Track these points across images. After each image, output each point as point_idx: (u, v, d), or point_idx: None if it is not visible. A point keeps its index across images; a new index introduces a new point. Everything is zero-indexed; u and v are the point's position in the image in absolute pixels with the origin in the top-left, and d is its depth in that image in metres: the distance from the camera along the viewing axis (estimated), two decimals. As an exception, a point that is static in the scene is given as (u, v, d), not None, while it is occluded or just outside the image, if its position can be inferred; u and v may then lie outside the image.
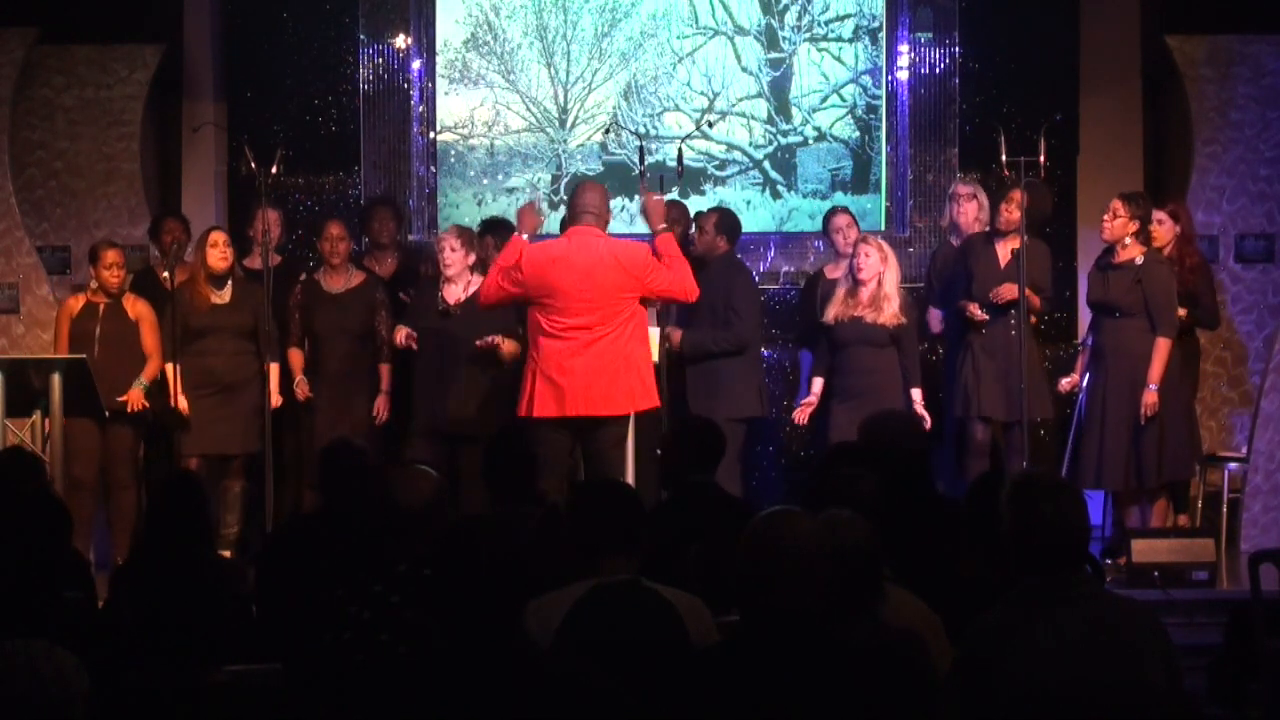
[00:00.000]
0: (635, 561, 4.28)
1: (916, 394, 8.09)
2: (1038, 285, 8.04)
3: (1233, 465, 8.63)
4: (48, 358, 7.91)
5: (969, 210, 8.49)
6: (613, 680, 3.29)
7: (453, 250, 8.03)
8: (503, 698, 3.15)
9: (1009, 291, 7.93)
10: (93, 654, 3.62)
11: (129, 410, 8.08)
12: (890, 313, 8.04)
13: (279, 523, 7.82)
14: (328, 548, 5.07)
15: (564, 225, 7.79)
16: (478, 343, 7.86)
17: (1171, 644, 3.65)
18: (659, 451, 7.04)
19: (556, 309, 7.00)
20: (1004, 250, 8.12)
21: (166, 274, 8.11)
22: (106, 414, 7.95)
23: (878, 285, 8.07)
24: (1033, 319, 8.21)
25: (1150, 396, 7.72)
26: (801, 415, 8.24)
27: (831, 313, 8.11)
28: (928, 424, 7.93)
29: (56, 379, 7.62)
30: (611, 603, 4.12)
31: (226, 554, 7.92)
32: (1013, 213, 8.01)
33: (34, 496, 5.02)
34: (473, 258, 8.09)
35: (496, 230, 8.52)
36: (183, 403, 8.06)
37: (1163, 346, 7.78)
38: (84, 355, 7.81)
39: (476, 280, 8.00)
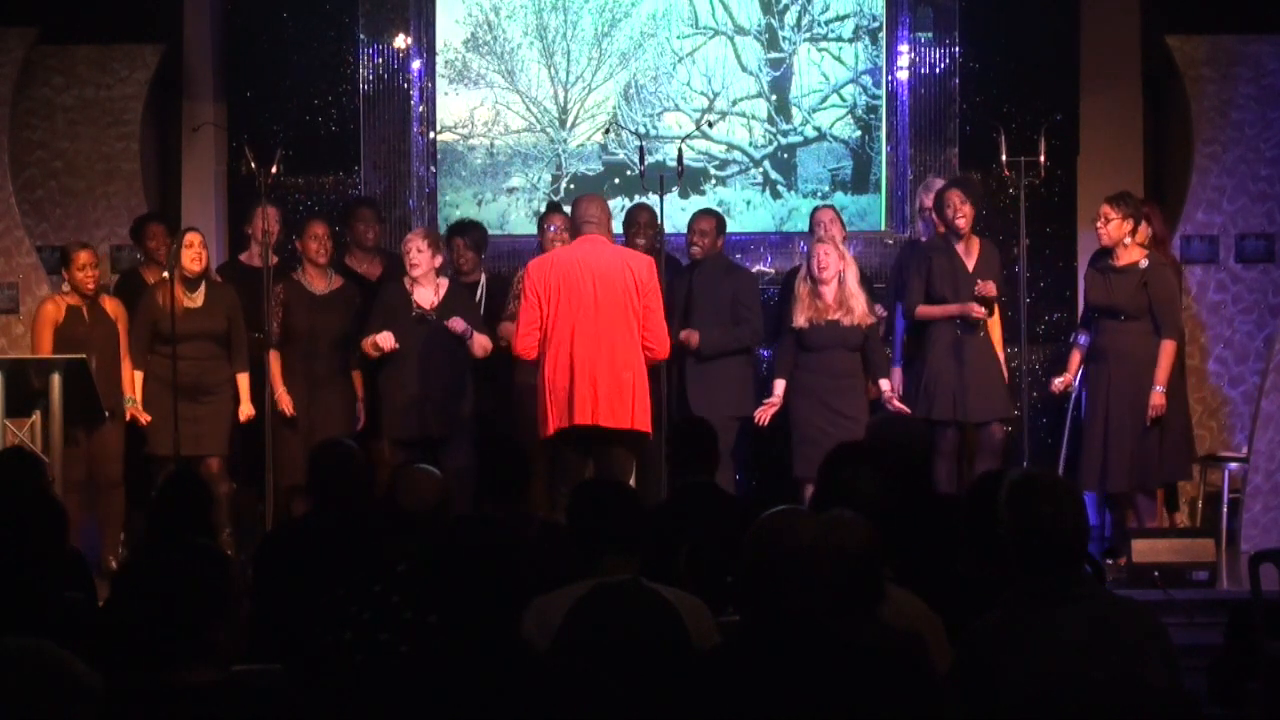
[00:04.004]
0: (635, 561, 4.28)
1: (885, 385, 8.12)
2: (1001, 289, 8.15)
3: (1233, 465, 8.64)
4: (48, 358, 7.90)
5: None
6: (612, 680, 3.29)
7: (419, 251, 7.93)
8: (501, 698, 3.15)
9: (990, 289, 7.99)
10: (93, 654, 3.62)
11: (138, 425, 8.09)
12: (860, 311, 8.07)
13: (275, 524, 7.82)
14: (322, 548, 5.07)
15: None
16: (447, 323, 7.84)
17: (1171, 644, 3.65)
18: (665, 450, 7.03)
19: (566, 315, 6.97)
20: (965, 251, 8.13)
21: (166, 275, 8.09)
22: (107, 414, 7.95)
23: (839, 285, 8.08)
24: (994, 319, 8.26)
25: (1157, 398, 7.75)
26: (763, 415, 8.20)
27: (803, 316, 8.10)
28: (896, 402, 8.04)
29: (56, 379, 7.61)
30: (611, 603, 4.12)
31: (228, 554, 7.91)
32: (964, 209, 8.03)
33: (34, 497, 5.02)
34: (439, 260, 8.00)
35: (466, 232, 8.52)
36: (142, 415, 8.08)
37: (1169, 348, 7.81)
38: (84, 355, 7.80)
39: (443, 283, 8.00)
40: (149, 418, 8.07)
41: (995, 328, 8.27)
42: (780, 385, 8.21)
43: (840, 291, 8.08)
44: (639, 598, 4.14)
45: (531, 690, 3.17)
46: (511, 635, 3.26)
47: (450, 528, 3.41)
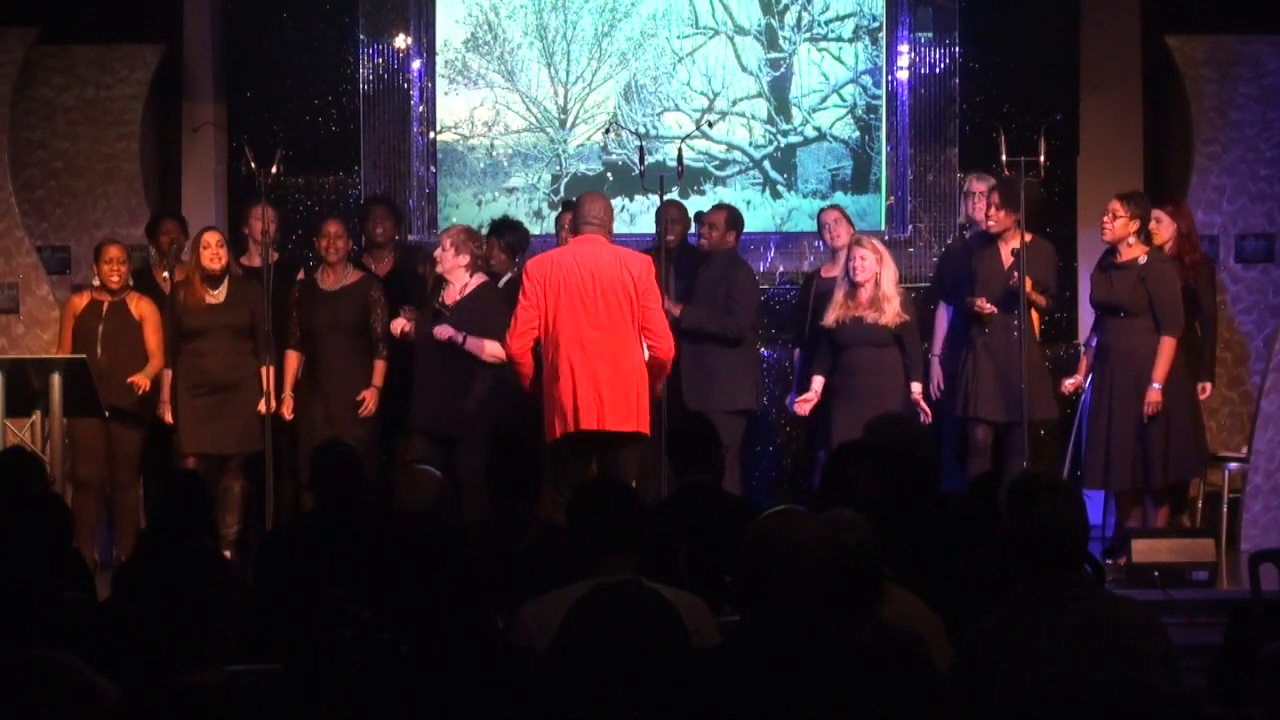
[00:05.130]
0: (635, 561, 4.28)
1: (916, 388, 8.10)
2: (1042, 284, 8.03)
3: (1233, 465, 8.63)
4: (48, 358, 7.91)
5: (983, 208, 8.41)
6: (611, 679, 3.29)
7: (442, 250, 8.00)
8: (498, 699, 3.15)
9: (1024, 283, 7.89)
10: (92, 654, 3.62)
11: (137, 392, 8.06)
12: (892, 312, 8.03)
13: (276, 523, 7.83)
14: (322, 547, 5.07)
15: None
16: (434, 330, 7.84)
17: (1171, 644, 3.65)
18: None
19: (565, 317, 6.96)
20: (1006, 249, 8.10)
21: (166, 274, 8.12)
22: (106, 414, 7.95)
23: (875, 286, 8.05)
24: (1037, 317, 8.20)
25: (1154, 395, 7.72)
26: (803, 408, 8.19)
27: (832, 316, 8.09)
28: (927, 417, 8.04)
29: (56, 379, 7.62)
30: (611, 603, 4.12)
31: (227, 554, 7.92)
32: (994, 214, 8.02)
33: (34, 497, 5.02)
34: (464, 259, 8.00)
35: (501, 233, 8.51)
36: (167, 413, 8.09)
37: (1168, 345, 7.78)
38: (84, 355, 7.81)
39: (474, 281, 8.01)
40: (146, 387, 8.07)
41: (1035, 327, 8.20)
42: (819, 381, 8.18)
43: (875, 292, 8.05)
44: (639, 597, 4.15)
45: (528, 691, 3.16)
46: (491, 637, 3.23)
47: (410, 529, 3.37)
